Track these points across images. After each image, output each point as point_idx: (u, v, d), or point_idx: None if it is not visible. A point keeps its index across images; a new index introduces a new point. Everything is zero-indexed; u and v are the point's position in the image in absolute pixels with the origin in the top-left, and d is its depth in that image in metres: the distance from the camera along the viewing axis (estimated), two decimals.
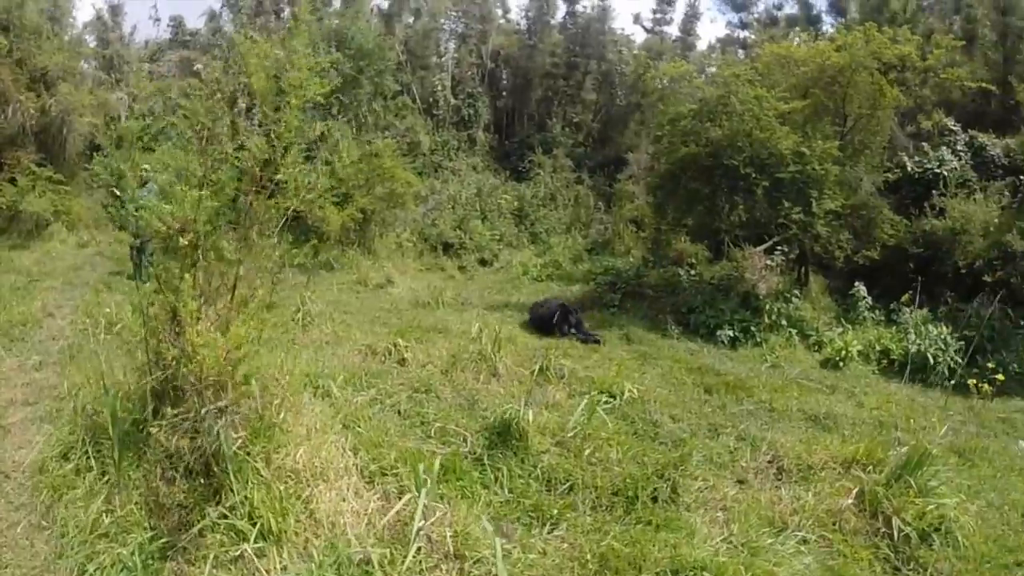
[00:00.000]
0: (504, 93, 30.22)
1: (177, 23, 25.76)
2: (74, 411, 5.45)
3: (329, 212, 17.73)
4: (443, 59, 28.84)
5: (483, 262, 20.83)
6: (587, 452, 6.03)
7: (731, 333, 12.69)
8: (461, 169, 26.00)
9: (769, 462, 6.56)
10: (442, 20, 29.39)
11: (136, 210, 4.93)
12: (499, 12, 30.94)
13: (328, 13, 25.74)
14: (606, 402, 7.43)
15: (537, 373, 8.17)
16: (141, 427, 4.99)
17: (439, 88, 27.28)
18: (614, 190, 24.43)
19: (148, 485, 4.69)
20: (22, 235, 17.04)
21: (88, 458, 4.99)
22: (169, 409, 4.72)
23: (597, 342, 11.54)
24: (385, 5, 28.82)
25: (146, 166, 7.17)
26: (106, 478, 4.81)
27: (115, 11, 26.04)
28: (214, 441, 4.55)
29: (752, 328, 12.92)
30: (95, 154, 17.59)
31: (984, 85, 17.20)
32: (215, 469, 4.61)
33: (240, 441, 4.70)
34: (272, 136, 4.72)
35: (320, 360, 7.95)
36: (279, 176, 4.78)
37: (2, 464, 5.41)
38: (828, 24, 26.68)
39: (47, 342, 9.01)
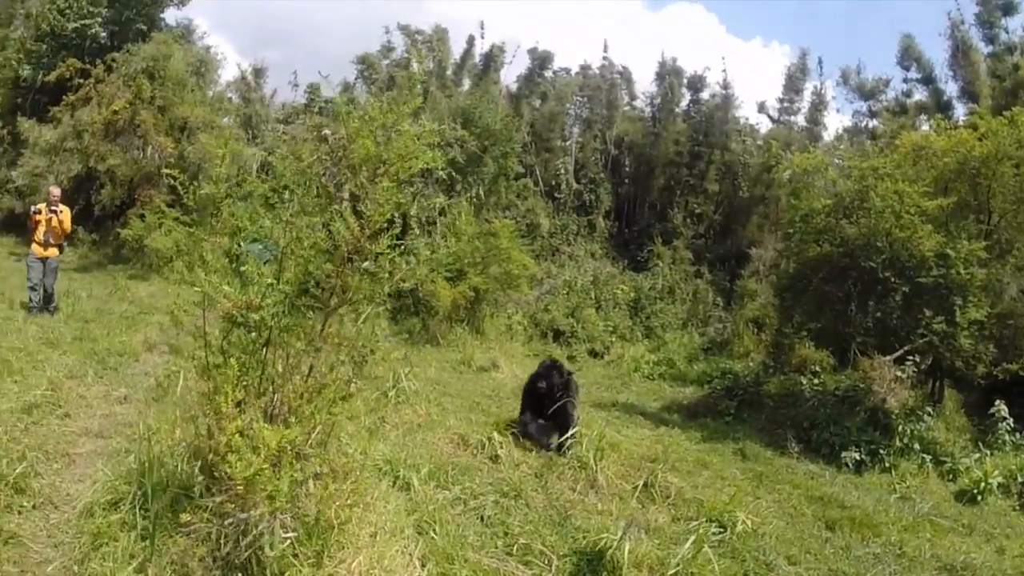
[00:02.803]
0: (626, 180, 30.07)
1: (313, 90, 26.98)
2: (137, 459, 5.08)
3: (440, 287, 17.76)
4: (567, 143, 29.13)
5: (593, 353, 20.19)
6: None
7: (857, 456, 11.46)
8: (579, 255, 25.87)
9: None
10: (568, 105, 29.80)
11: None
12: (625, 99, 31.16)
13: (459, 92, 26.36)
14: (715, 532, 6.63)
15: (640, 489, 7.53)
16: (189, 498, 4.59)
17: (562, 171, 27.48)
18: (735, 287, 23.54)
19: (184, 564, 4.23)
20: (144, 267, 18.06)
21: (135, 514, 4.61)
22: (216, 494, 4.32)
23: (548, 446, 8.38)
24: (514, 87, 29.47)
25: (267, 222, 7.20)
26: (146, 541, 4.40)
27: (258, 73, 27.79)
28: (256, 539, 4.14)
29: (880, 451, 11.69)
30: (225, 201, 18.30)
31: None
32: (254, 569, 4.19)
33: (288, 542, 4.27)
34: (363, 214, 4.39)
35: (407, 446, 7.52)
36: (365, 264, 4.44)
37: (56, 493, 5.26)
38: (960, 112, 25.06)
39: (139, 377, 9.04)
